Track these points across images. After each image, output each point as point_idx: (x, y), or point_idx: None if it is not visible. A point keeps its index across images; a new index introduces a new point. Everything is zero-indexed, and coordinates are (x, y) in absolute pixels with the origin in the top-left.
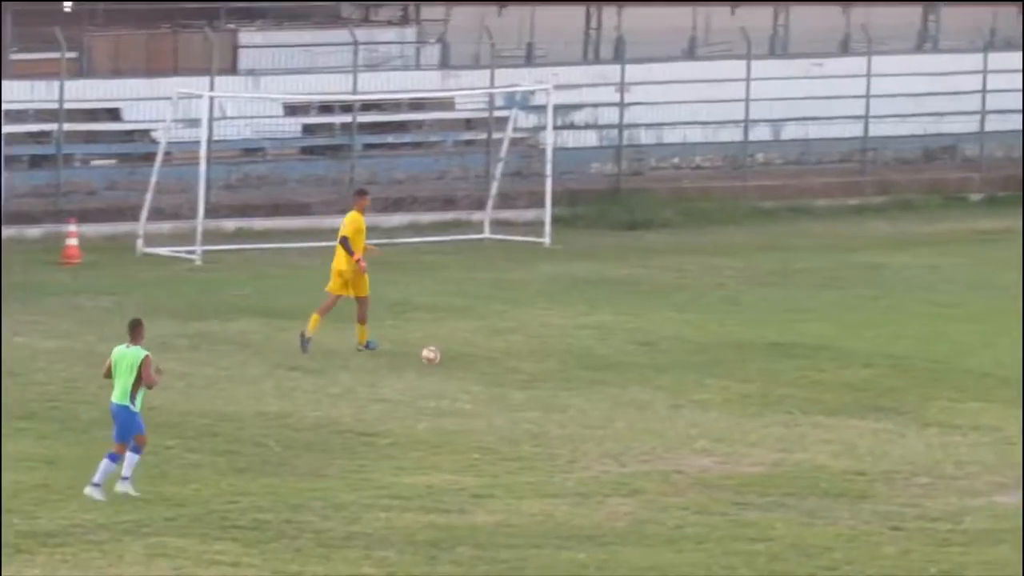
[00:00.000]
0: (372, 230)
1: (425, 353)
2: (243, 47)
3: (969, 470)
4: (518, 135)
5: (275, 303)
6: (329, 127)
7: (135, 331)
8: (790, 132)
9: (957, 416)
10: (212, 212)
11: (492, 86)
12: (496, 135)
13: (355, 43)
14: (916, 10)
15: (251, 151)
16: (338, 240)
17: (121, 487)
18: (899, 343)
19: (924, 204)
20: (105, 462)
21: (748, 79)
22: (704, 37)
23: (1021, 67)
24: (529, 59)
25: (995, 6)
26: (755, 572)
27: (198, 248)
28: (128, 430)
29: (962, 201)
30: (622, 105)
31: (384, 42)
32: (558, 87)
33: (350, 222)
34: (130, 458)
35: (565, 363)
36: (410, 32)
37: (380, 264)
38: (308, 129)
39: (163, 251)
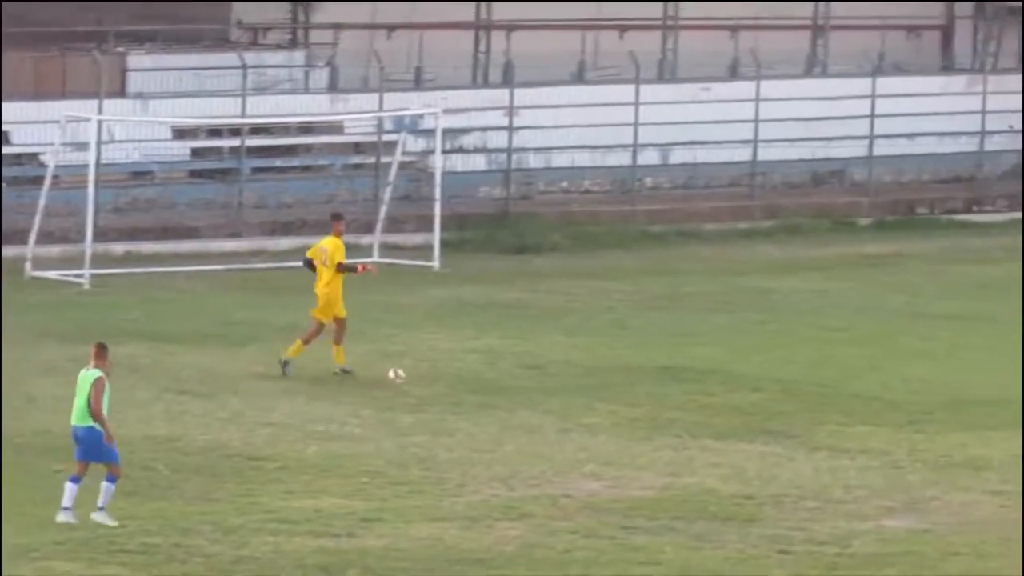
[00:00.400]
0: (259, 254)
1: (392, 375)
2: (132, 70)
3: (857, 494)
4: (407, 159)
5: (164, 327)
6: (218, 150)
7: (98, 353)
8: (679, 156)
9: (845, 440)
10: (100, 235)
11: (381, 110)
12: (385, 159)
13: (244, 66)
14: (804, 35)
15: (140, 174)
16: (335, 267)
17: (96, 517)
18: (788, 367)
19: (812, 228)
20: (68, 485)
21: (637, 103)
22: (593, 61)
23: (910, 92)
24: (418, 83)
25: (883, 31)
26: None
27: (86, 271)
28: (92, 450)
29: (850, 225)
30: (511, 129)
31: (273, 65)
32: (447, 111)
33: (337, 248)
34: (106, 488)
35: (454, 387)
36: (299, 55)
37: (270, 288)
38: (197, 152)
39: (51, 274)
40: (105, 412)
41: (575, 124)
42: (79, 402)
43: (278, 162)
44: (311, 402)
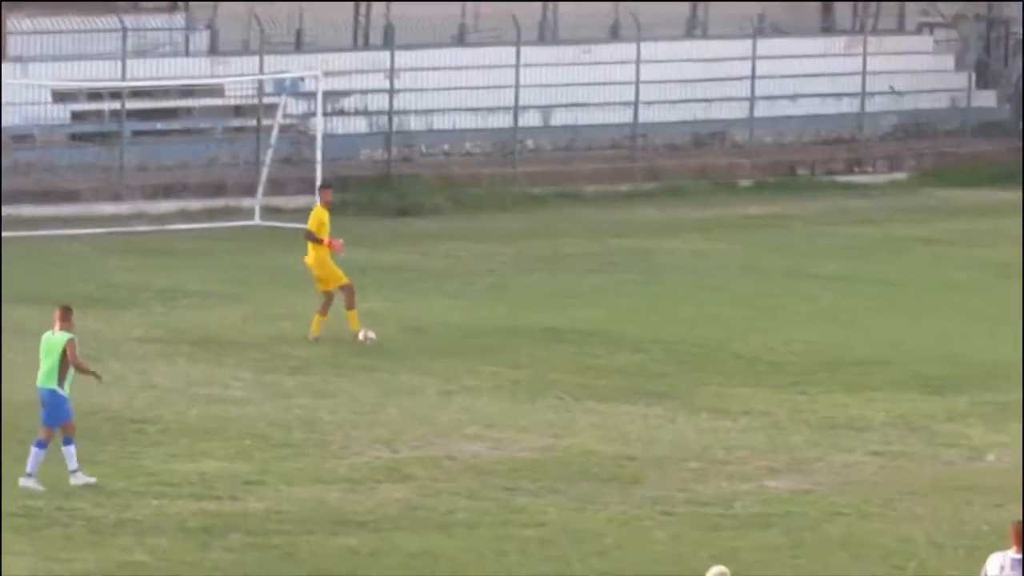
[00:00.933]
0: (140, 217)
1: (363, 336)
2: (11, 33)
3: (739, 455)
4: (288, 122)
5: (44, 290)
6: (98, 114)
7: (63, 316)
8: (560, 118)
9: (727, 401)
10: None
11: (261, 73)
12: (266, 122)
13: (124, 29)
14: None
15: (20, 138)
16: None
17: (76, 480)
18: (669, 328)
19: (694, 190)
20: (34, 450)
21: (517, 65)
22: (473, 23)
23: (790, 53)
24: (298, 46)
25: None
26: (527, 557)
27: None
28: (55, 415)
29: (731, 187)
30: (392, 91)
31: (153, 28)
32: (327, 74)
33: (313, 216)
34: (68, 451)
35: (336, 349)
36: (179, 18)
37: (151, 251)
38: (77, 116)
39: None
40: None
41: (456, 86)
42: (46, 365)
43: (159, 125)
44: (192, 365)
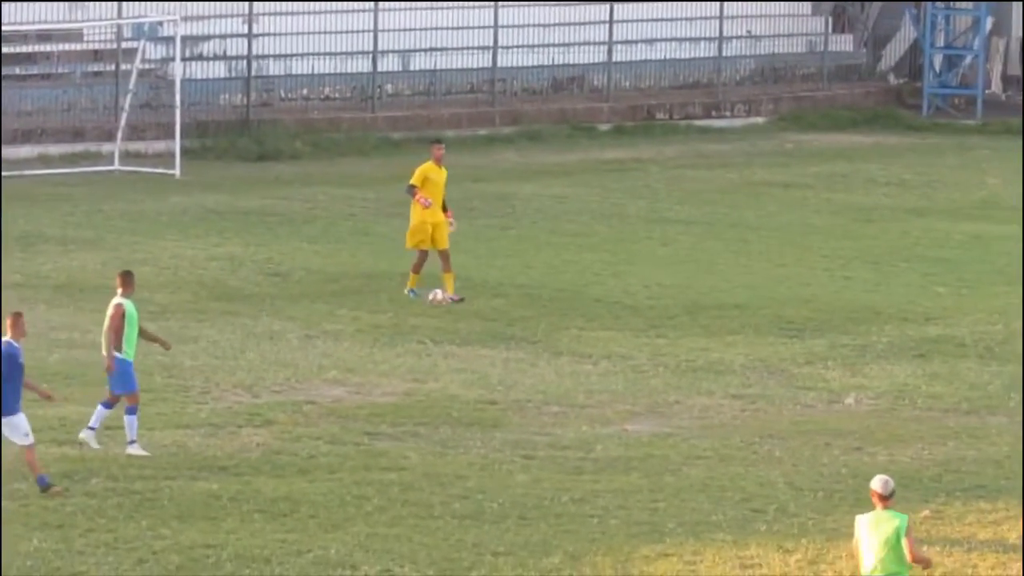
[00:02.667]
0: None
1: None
2: None
3: (600, 398)
4: (146, 67)
5: None
6: None
7: (122, 281)
8: (418, 63)
9: (587, 345)
10: None
11: (120, 17)
12: (124, 67)
13: None
14: None
15: None
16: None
17: (132, 450)
18: (529, 272)
19: (553, 134)
20: (99, 408)
21: (376, 10)
22: None
23: None
24: None
25: None
26: (388, 501)
27: None
28: (117, 379)
29: (590, 131)
30: (250, 36)
31: None
32: (186, 18)
33: (419, 171)
34: (129, 421)
35: (196, 294)
36: None
37: (8, 196)
38: None
39: None
40: (126, 343)
41: (315, 31)
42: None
43: (17, 70)
44: (52, 310)
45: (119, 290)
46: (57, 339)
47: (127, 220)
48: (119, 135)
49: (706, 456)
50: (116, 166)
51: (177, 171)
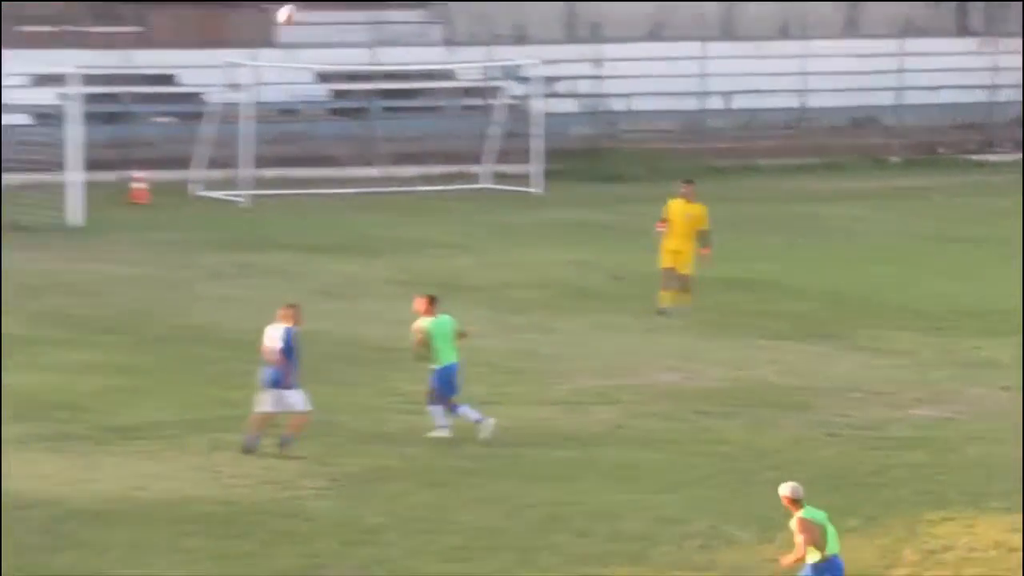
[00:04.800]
0: (388, 180)
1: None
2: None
3: (891, 387)
4: (510, 102)
5: (308, 240)
6: (354, 92)
7: (427, 304)
8: (739, 102)
9: (881, 342)
10: (255, 163)
11: (488, 60)
12: (491, 101)
13: (374, 22)
14: None
15: (287, 112)
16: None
17: (483, 427)
18: (832, 281)
19: (852, 165)
20: (461, 409)
21: (704, 56)
22: (667, 20)
23: (930, 51)
24: (519, 39)
25: None
26: (714, 469)
27: (244, 192)
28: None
29: (883, 163)
30: (598, 77)
31: (398, 22)
32: (544, 62)
33: (666, 205)
34: (462, 411)
35: (553, 293)
36: (420, 14)
37: (397, 208)
38: (337, 94)
39: (215, 194)
40: (438, 355)
41: (652, 75)
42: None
43: (404, 103)
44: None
45: (425, 312)
46: None
47: (495, 230)
48: (488, 158)
49: (981, 438)
50: (485, 184)
51: (538, 190)
